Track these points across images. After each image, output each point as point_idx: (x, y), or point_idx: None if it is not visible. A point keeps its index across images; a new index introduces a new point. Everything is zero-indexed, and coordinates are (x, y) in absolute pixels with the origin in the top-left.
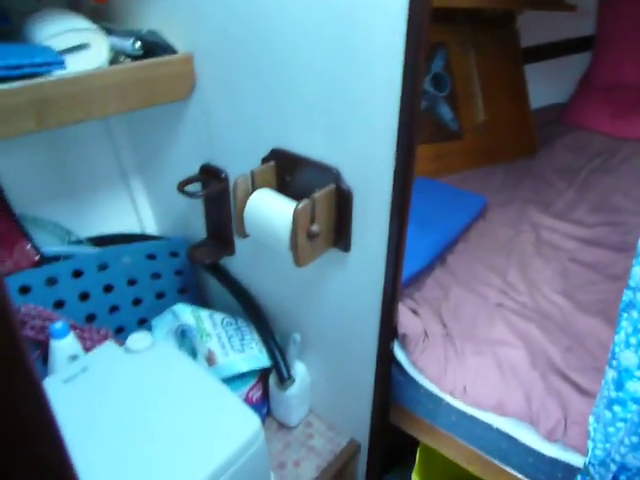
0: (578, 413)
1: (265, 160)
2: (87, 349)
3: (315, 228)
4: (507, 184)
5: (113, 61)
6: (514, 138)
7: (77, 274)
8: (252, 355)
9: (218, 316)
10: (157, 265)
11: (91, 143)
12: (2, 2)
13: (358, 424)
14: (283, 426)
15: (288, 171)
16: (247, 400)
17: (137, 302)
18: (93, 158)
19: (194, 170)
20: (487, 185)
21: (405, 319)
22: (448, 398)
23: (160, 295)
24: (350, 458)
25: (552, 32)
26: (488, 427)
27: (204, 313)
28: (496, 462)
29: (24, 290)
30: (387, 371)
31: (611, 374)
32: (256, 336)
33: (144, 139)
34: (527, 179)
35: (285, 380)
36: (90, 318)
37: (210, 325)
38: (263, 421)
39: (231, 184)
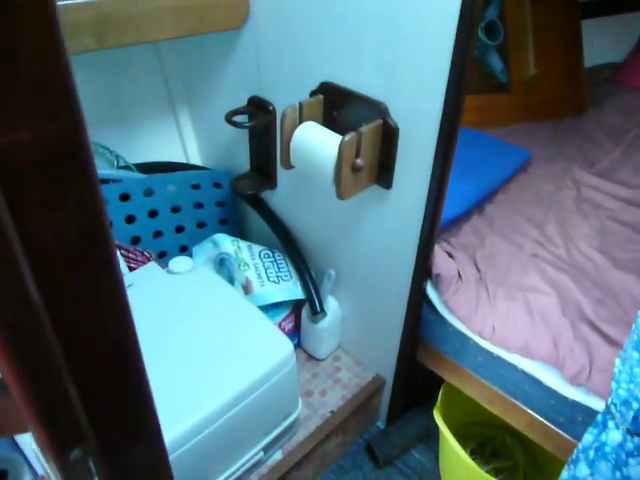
0: (604, 361)
1: (313, 93)
2: (131, 269)
3: (360, 162)
4: (552, 141)
5: None
6: (564, 95)
7: (124, 197)
8: (287, 287)
9: (256, 248)
10: (200, 194)
11: (143, 71)
12: None
13: (385, 361)
14: (312, 358)
15: (336, 105)
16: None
17: (179, 229)
18: (144, 86)
19: (242, 102)
20: (532, 140)
21: (440, 260)
22: (476, 338)
23: (201, 224)
24: (375, 392)
25: None
26: (513, 368)
27: (243, 244)
28: (518, 403)
29: None
30: (418, 310)
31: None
32: (292, 269)
33: (194, 69)
34: (573, 137)
35: (317, 313)
36: (135, 240)
37: (248, 255)
38: None
39: (278, 117)
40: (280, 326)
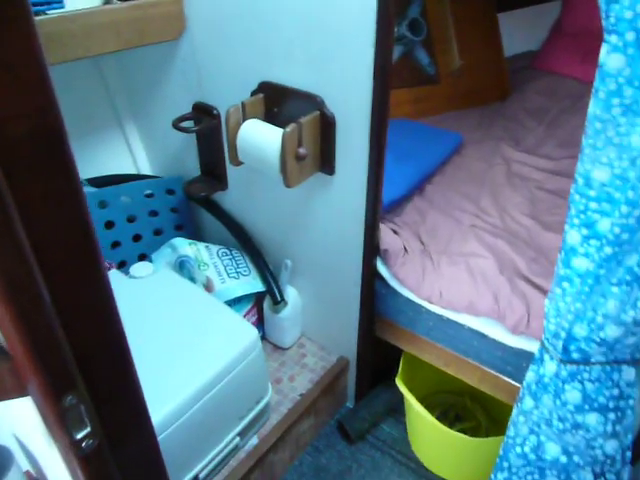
0: (540, 309)
1: (254, 93)
2: None
3: (302, 150)
4: (481, 124)
5: (106, 2)
6: (488, 83)
7: None
8: (247, 281)
9: (214, 247)
10: (154, 203)
11: (86, 88)
12: None
13: (347, 342)
14: (278, 348)
15: (275, 102)
16: None
17: (137, 238)
18: (89, 102)
19: (186, 109)
20: (463, 125)
21: (386, 237)
22: (426, 304)
23: (158, 232)
24: (340, 372)
25: None
26: (461, 327)
27: (201, 245)
28: (469, 360)
29: None
30: (371, 286)
31: (561, 255)
32: (250, 264)
33: (136, 82)
34: (500, 120)
35: (278, 302)
36: None
37: (207, 255)
38: None
39: (223, 120)
40: None
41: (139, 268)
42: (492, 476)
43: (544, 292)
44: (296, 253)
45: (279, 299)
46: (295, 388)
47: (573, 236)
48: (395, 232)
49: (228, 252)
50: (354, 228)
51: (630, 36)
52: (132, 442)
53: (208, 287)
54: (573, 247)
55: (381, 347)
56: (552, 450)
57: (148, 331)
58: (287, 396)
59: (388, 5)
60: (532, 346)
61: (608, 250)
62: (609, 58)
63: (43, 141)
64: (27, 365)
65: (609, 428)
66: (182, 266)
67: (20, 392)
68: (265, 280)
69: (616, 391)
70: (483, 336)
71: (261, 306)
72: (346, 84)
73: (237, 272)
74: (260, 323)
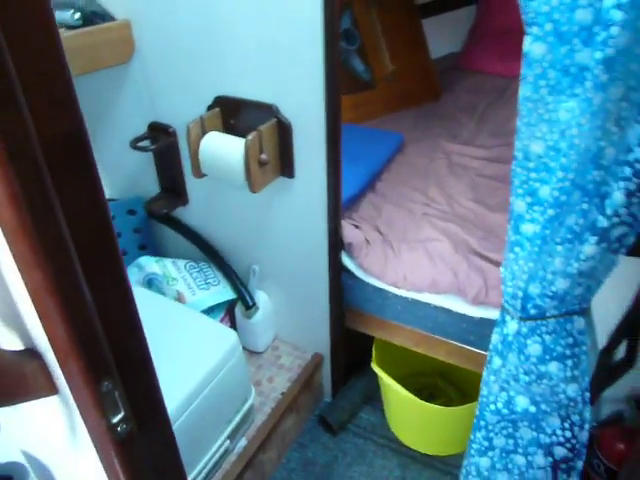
0: (496, 280)
1: (210, 108)
2: None
3: (264, 156)
4: (419, 124)
5: None
6: (420, 85)
7: None
8: (217, 290)
9: (181, 262)
10: (116, 225)
11: None
12: None
13: (319, 338)
14: (253, 353)
15: (232, 114)
16: None
17: None
18: None
19: (142, 129)
20: (402, 126)
21: (348, 232)
22: (392, 289)
23: (122, 253)
24: (316, 368)
25: None
26: (427, 306)
27: (167, 261)
28: (437, 336)
29: None
30: (339, 279)
31: (510, 224)
32: (218, 274)
33: (89, 106)
34: (435, 118)
35: (250, 307)
36: None
37: (175, 270)
38: None
39: (180, 137)
40: None
41: None
42: (471, 436)
43: (497, 264)
44: (263, 258)
45: (250, 304)
46: (275, 388)
47: (519, 205)
48: (356, 226)
49: (195, 265)
50: (317, 226)
51: (549, 27)
52: (154, 430)
53: (180, 300)
54: (520, 214)
55: (352, 340)
56: (522, 402)
57: None
58: (269, 396)
59: (333, 19)
60: (491, 314)
61: (550, 212)
62: (532, 47)
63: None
64: (69, 352)
65: (568, 373)
66: (150, 284)
67: (49, 391)
68: (235, 287)
69: (571, 340)
70: (447, 311)
71: (233, 314)
72: (299, 93)
73: (207, 283)
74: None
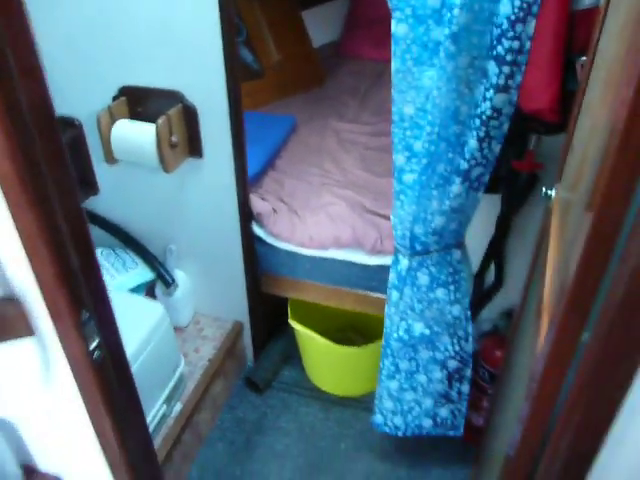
0: (388, 231)
1: (115, 98)
2: None
3: (174, 138)
4: (307, 107)
5: None
6: (305, 72)
7: None
8: (136, 273)
9: (97, 250)
10: None
11: None
12: None
13: (238, 307)
14: (177, 328)
15: (139, 102)
16: None
17: None
18: None
19: None
20: (292, 110)
21: (257, 203)
22: (301, 249)
23: None
24: (237, 335)
25: None
26: (332, 261)
27: None
28: (344, 288)
29: None
30: (251, 248)
31: (395, 176)
32: (136, 257)
33: None
34: (322, 101)
35: (170, 285)
36: None
37: None
38: None
39: (88, 127)
40: None
41: None
42: (380, 364)
43: (388, 219)
44: (178, 237)
45: (170, 282)
46: (202, 357)
47: (400, 159)
48: (262, 199)
49: (112, 251)
50: (227, 201)
51: (408, 11)
52: (118, 359)
53: None
54: (401, 167)
55: (267, 307)
56: (418, 328)
57: None
58: (197, 365)
59: (229, 7)
60: (387, 261)
61: (424, 162)
62: (397, 27)
63: None
64: (56, 286)
65: (452, 297)
66: None
67: (27, 332)
68: (153, 268)
69: (451, 269)
70: (350, 263)
71: (154, 294)
72: (202, 80)
73: (125, 267)
74: None
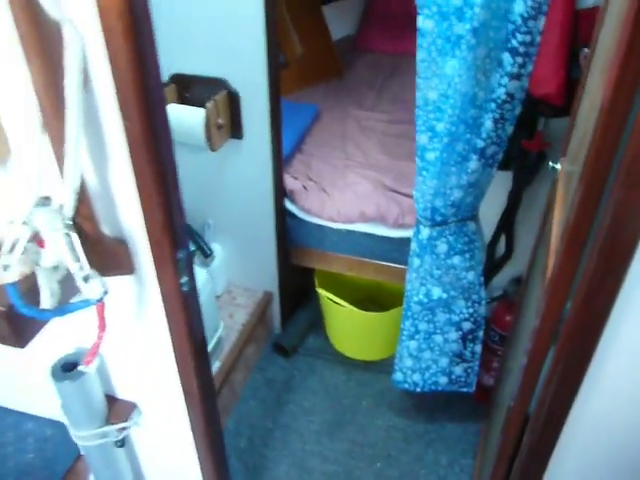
0: (409, 207)
1: (166, 85)
2: None
3: (220, 120)
4: (328, 97)
5: None
6: (325, 64)
7: None
8: None
9: None
10: None
11: None
12: None
13: (268, 277)
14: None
15: (186, 89)
16: None
17: None
18: None
19: None
20: (314, 99)
21: (289, 181)
22: (329, 223)
23: None
24: (267, 304)
25: None
26: (358, 234)
27: None
28: (366, 259)
29: None
30: (283, 222)
31: (417, 154)
32: None
33: None
34: (341, 92)
35: (208, 256)
36: None
37: None
38: None
39: None
40: None
41: None
42: (402, 325)
43: (408, 196)
44: (216, 213)
45: (208, 253)
46: (236, 321)
47: (422, 138)
48: (294, 178)
49: None
50: (263, 179)
51: (434, 8)
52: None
53: None
54: (424, 146)
55: (295, 279)
56: (436, 292)
57: None
58: (232, 328)
59: (273, 6)
60: (407, 233)
61: (445, 141)
62: (424, 23)
63: None
64: (162, 228)
65: (467, 264)
66: None
67: (130, 270)
68: (193, 240)
69: (467, 239)
70: (373, 236)
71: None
72: (245, 68)
73: None
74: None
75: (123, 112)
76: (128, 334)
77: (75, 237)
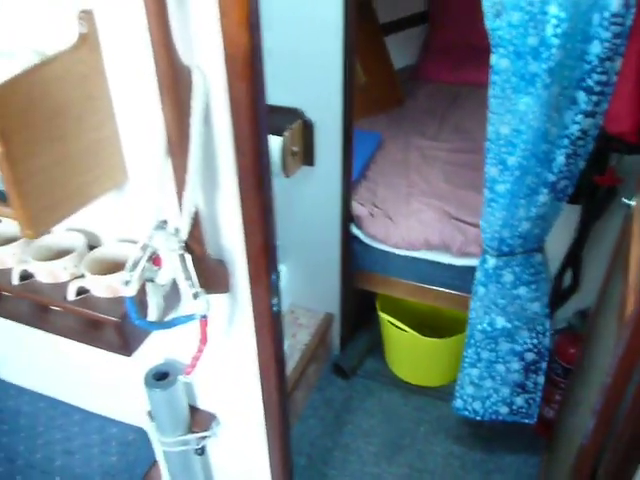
0: (473, 236)
1: None
2: None
3: (295, 148)
4: (391, 126)
5: None
6: (387, 93)
7: None
8: None
9: None
10: None
11: None
12: None
13: (330, 299)
14: None
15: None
16: None
17: None
18: None
19: None
20: (377, 127)
21: (356, 208)
22: (394, 250)
23: None
24: (327, 325)
25: (394, 11)
26: (421, 261)
27: None
28: (426, 286)
29: None
30: (349, 247)
31: (487, 185)
32: None
33: None
34: (403, 120)
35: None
36: None
37: None
38: None
39: None
40: None
41: None
42: (464, 353)
43: (472, 225)
44: (284, 235)
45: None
46: (299, 341)
47: (493, 170)
48: (361, 204)
49: None
50: (332, 204)
51: (510, 48)
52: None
53: None
54: (494, 178)
55: (356, 301)
56: (500, 321)
57: None
58: (295, 347)
59: (351, 40)
60: (471, 262)
61: (516, 174)
62: (499, 61)
63: None
64: (260, 252)
65: (533, 295)
66: None
67: (225, 289)
68: None
69: (533, 270)
70: (437, 264)
71: None
72: (321, 100)
73: None
74: None
75: (237, 145)
76: (217, 349)
77: (188, 257)
